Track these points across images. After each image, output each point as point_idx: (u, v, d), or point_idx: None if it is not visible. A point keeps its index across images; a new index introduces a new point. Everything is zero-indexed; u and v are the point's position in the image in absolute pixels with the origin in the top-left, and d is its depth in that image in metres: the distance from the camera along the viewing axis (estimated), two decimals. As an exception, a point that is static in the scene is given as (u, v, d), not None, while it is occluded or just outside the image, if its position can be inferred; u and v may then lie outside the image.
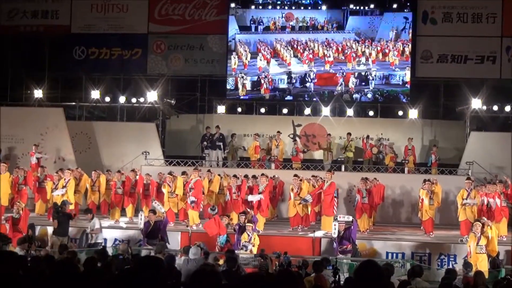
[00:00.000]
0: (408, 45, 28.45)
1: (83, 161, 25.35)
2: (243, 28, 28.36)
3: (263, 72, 28.36)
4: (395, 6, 28.07)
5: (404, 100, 28.56)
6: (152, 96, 27.82)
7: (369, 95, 28.27)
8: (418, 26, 29.03)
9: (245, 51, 28.48)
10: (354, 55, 27.85)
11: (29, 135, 25.83)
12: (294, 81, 28.28)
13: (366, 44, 28.06)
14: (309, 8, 27.30)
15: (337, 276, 11.67)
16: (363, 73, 28.07)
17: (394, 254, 18.73)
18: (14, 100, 29.17)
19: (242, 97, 29.22)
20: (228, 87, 29.12)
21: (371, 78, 28.14)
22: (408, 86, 28.57)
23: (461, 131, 28.47)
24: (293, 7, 28.01)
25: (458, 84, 28.31)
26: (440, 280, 12.21)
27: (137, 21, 30.42)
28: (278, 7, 27.89)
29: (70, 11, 30.58)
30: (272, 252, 15.68)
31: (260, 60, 28.39)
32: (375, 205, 21.89)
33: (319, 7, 27.67)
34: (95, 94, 28.69)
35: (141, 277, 5.57)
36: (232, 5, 28.88)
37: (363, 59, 28.01)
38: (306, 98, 28.83)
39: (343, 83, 28.25)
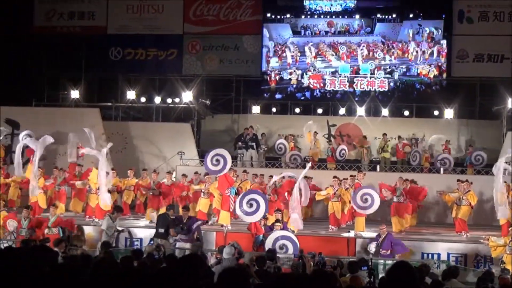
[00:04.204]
0: (419, 44, 30.62)
1: (119, 161, 25.39)
2: (295, 33, 32.08)
3: (311, 66, 31.72)
4: (411, 15, 31.40)
5: (417, 86, 30.84)
6: (187, 96, 27.94)
7: (392, 84, 31.03)
8: (454, 25, 28.87)
9: (296, 49, 31.96)
10: (380, 53, 31.71)
11: (66, 136, 25.68)
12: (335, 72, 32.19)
13: (390, 44, 31.53)
14: (346, 17, 32.06)
15: (372, 277, 11.63)
16: (387, 67, 31.18)
17: (430, 255, 18.59)
18: (51, 100, 29.39)
19: (294, 86, 31.43)
20: (285, 77, 31.34)
21: (394, 70, 31.18)
22: (422, 77, 30.49)
23: (497, 131, 28.14)
24: (333, 16, 31.90)
25: (494, 83, 28.04)
26: (476, 281, 12.10)
27: (172, 21, 30.68)
28: (322, 16, 32.15)
29: (106, 12, 30.96)
30: (307, 252, 15.65)
31: (308, 56, 31.78)
32: (413, 205, 21.75)
33: (354, 16, 31.99)
34: (131, 94, 28.93)
35: (179, 275, 5.61)
36: (288, 15, 31.64)
37: (387, 56, 31.29)
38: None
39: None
